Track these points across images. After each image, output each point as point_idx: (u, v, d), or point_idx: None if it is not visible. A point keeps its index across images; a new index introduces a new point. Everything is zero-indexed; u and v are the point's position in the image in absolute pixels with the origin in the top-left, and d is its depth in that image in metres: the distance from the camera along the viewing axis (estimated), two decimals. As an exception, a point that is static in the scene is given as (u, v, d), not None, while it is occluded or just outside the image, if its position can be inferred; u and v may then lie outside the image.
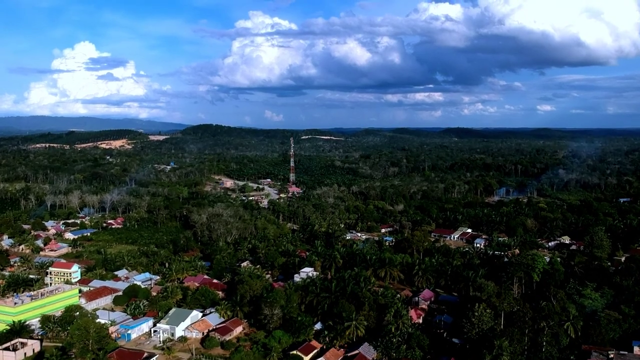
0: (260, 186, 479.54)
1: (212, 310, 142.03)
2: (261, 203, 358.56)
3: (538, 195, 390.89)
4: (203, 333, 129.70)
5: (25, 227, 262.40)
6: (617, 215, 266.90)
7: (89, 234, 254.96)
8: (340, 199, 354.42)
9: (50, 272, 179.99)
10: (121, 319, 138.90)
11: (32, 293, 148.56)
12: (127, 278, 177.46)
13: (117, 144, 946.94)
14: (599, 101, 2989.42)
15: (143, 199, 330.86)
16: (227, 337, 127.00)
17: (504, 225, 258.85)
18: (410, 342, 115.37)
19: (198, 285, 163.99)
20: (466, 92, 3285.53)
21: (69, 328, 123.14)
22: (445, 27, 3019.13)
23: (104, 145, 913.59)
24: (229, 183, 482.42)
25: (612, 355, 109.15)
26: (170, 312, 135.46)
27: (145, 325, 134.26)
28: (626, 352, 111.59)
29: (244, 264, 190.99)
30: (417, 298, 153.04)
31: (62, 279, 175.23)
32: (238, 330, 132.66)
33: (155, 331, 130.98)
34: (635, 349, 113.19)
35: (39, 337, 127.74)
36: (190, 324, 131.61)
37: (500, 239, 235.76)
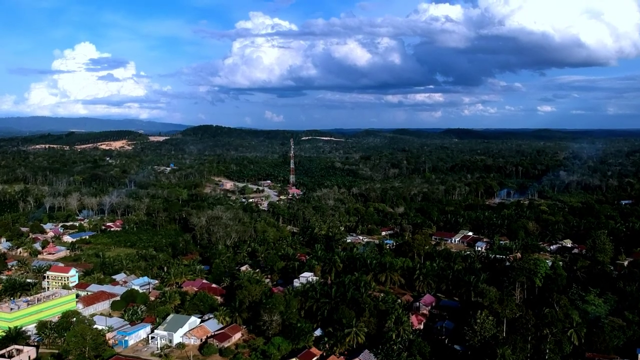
0: (260, 188, 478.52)
1: (211, 316, 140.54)
2: (261, 205, 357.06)
3: (539, 197, 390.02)
4: (201, 339, 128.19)
5: (24, 229, 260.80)
6: (619, 218, 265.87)
7: (87, 237, 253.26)
8: (340, 201, 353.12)
9: (48, 276, 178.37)
10: (118, 325, 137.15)
11: (28, 298, 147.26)
12: (125, 282, 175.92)
13: (117, 144, 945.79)
14: (600, 102, 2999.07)
15: (142, 201, 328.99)
16: (226, 344, 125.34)
17: (505, 228, 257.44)
18: (412, 350, 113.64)
19: (197, 289, 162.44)
20: (466, 93, 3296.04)
21: (65, 334, 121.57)
22: (445, 28, 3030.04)
23: (104, 146, 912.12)
24: (228, 185, 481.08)
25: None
26: (168, 318, 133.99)
27: (143, 332, 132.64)
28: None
29: (244, 268, 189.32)
30: (418, 303, 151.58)
31: (60, 283, 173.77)
32: (237, 336, 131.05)
33: (152, 338, 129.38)
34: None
35: (36, 343, 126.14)
36: (188, 330, 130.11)
37: (501, 242, 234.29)
